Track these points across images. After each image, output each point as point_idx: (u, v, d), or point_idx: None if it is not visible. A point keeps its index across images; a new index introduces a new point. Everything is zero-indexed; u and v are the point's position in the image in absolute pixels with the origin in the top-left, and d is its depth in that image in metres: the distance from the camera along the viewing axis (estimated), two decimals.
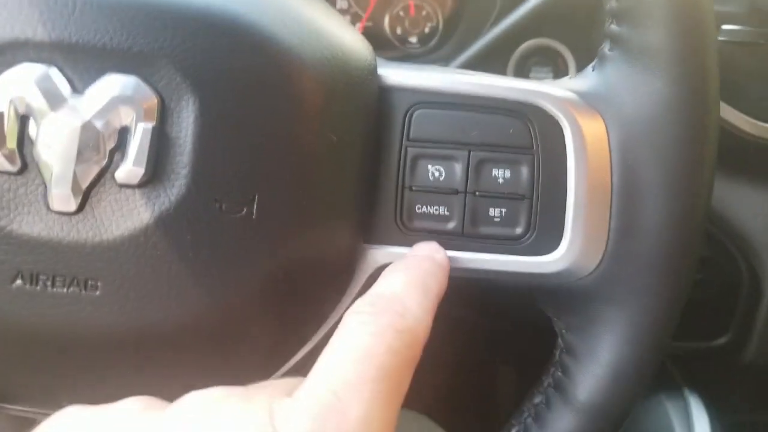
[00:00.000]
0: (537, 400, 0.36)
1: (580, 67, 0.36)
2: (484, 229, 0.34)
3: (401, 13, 0.75)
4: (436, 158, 0.34)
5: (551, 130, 0.33)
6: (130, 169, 0.28)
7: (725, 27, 0.58)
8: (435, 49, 0.75)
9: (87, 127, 0.28)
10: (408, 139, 0.34)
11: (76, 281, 0.28)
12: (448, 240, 0.34)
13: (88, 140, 0.28)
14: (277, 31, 0.30)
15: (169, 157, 0.28)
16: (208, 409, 0.23)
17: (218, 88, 0.28)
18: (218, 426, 0.22)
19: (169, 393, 0.25)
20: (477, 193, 0.34)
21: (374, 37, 0.75)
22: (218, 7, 0.29)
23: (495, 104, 0.34)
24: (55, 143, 0.27)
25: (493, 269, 0.34)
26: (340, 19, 0.36)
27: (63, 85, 0.28)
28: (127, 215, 0.28)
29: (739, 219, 0.64)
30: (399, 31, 0.75)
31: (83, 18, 0.28)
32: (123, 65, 0.28)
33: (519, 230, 0.34)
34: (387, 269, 0.30)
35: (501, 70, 0.68)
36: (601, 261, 0.33)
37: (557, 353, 0.36)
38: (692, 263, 0.32)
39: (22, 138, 0.28)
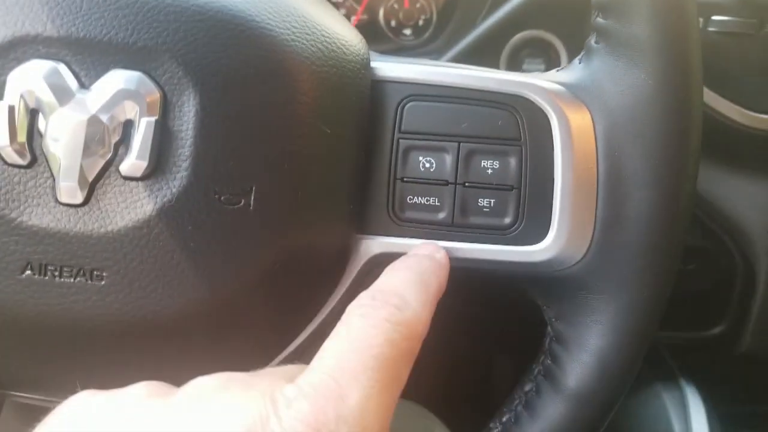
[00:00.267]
0: (527, 387, 0.37)
1: (572, 59, 0.37)
2: (474, 219, 0.34)
3: (395, 6, 0.75)
4: (427, 150, 0.34)
5: (539, 122, 0.34)
6: (133, 162, 0.29)
7: (715, 18, 0.58)
8: (429, 41, 0.76)
9: (93, 121, 0.29)
10: (400, 132, 0.34)
11: (82, 271, 0.29)
12: (438, 230, 0.34)
13: (94, 134, 0.29)
14: (273, 26, 0.31)
15: (171, 150, 0.29)
16: (212, 395, 0.23)
17: (218, 83, 0.29)
18: (222, 411, 0.23)
19: (173, 378, 0.26)
20: (467, 183, 0.34)
21: (369, 29, 0.75)
22: (218, 3, 0.30)
23: (484, 96, 0.34)
24: (62, 137, 0.28)
25: (482, 258, 0.34)
26: (334, 12, 0.36)
27: (71, 80, 0.29)
28: (131, 207, 0.29)
29: (733, 209, 0.64)
30: (393, 23, 0.76)
31: (90, 14, 0.29)
32: (127, 60, 0.29)
33: (507, 220, 0.34)
34: (389, 267, 0.31)
35: (494, 62, 0.68)
36: (587, 250, 0.33)
37: (547, 341, 0.37)
38: (677, 252, 0.33)
39: (32, 132, 0.29)
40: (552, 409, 0.34)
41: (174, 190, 0.29)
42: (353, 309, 0.27)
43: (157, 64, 0.29)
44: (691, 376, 0.73)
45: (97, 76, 0.29)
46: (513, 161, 0.34)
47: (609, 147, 0.33)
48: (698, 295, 0.69)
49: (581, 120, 0.34)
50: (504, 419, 0.37)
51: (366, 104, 0.34)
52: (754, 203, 0.63)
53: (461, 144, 0.34)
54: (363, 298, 0.28)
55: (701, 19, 0.58)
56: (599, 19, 0.34)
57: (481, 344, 0.94)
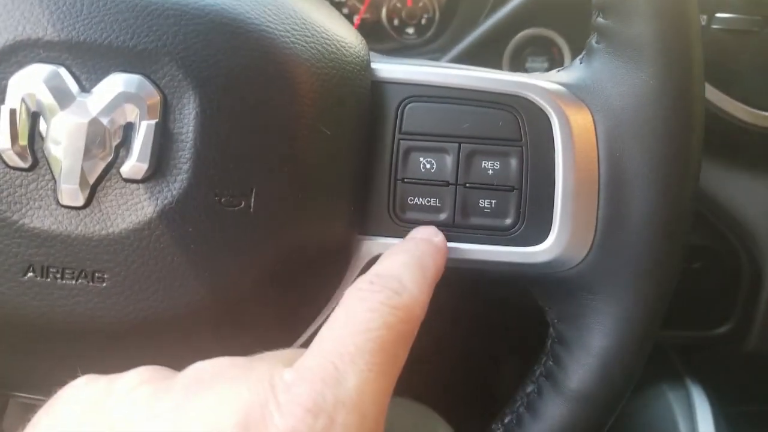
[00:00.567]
0: (529, 389, 0.37)
1: (576, 57, 0.37)
2: (475, 220, 0.34)
3: (398, 4, 0.75)
4: (427, 151, 0.34)
5: (540, 122, 0.34)
6: (134, 164, 0.29)
7: (719, 15, 0.58)
8: (432, 39, 0.76)
9: (94, 124, 0.29)
10: (400, 132, 0.34)
11: (84, 273, 0.29)
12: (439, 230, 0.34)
13: (95, 136, 0.29)
14: (272, 28, 0.31)
15: (171, 153, 0.29)
16: (210, 380, 0.24)
17: (218, 85, 0.29)
18: (221, 395, 0.23)
19: None
20: (467, 184, 0.34)
21: (371, 28, 0.75)
22: (217, 5, 0.30)
23: (484, 97, 0.34)
24: (64, 140, 0.29)
25: (483, 259, 0.34)
26: (334, 13, 0.37)
27: (71, 83, 0.29)
28: (132, 209, 0.29)
29: (738, 207, 0.64)
30: (396, 22, 0.76)
31: (90, 17, 0.29)
32: (127, 63, 0.29)
33: (509, 221, 0.34)
34: (387, 251, 0.31)
35: (497, 60, 0.68)
36: (589, 251, 0.33)
37: (548, 342, 0.37)
38: (679, 252, 0.33)
39: (33, 135, 0.29)
40: (554, 410, 0.34)
41: (174, 192, 0.29)
42: (351, 293, 0.27)
43: (157, 67, 0.29)
44: (696, 376, 0.72)
45: (98, 80, 0.29)
46: (514, 162, 0.34)
47: (610, 147, 0.33)
48: (704, 294, 0.69)
49: (582, 120, 0.33)
50: (506, 420, 0.37)
51: (366, 105, 0.34)
52: (759, 201, 0.63)
53: (462, 145, 0.34)
54: (361, 282, 0.28)
55: (705, 17, 0.58)
56: (600, 19, 0.34)
57: (484, 344, 0.94)
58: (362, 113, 0.34)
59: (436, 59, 0.71)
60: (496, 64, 0.68)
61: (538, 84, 0.34)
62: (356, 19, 0.75)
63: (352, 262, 0.35)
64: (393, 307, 0.26)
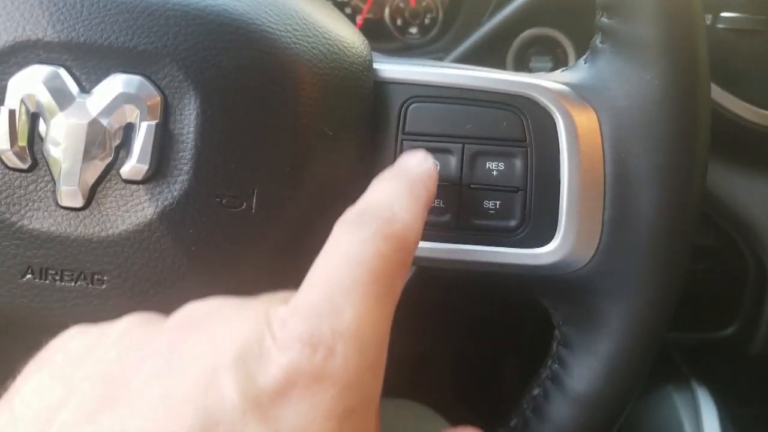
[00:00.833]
0: (535, 392, 0.37)
1: (580, 56, 0.36)
2: (479, 222, 0.34)
3: (401, 4, 0.75)
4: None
5: (544, 123, 0.34)
6: (134, 165, 0.29)
7: (724, 14, 0.58)
8: (435, 39, 0.75)
9: (93, 125, 0.29)
10: (404, 133, 0.34)
11: (83, 275, 0.29)
12: (443, 232, 0.34)
13: (95, 137, 0.29)
14: (273, 29, 0.31)
15: (171, 154, 0.29)
16: (205, 317, 0.23)
17: (218, 86, 0.29)
18: (215, 332, 0.22)
19: None
20: (471, 185, 0.34)
21: (375, 28, 0.75)
22: (218, 6, 0.30)
23: (488, 97, 0.34)
24: (63, 141, 0.29)
25: (487, 261, 0.34)
26: (336, 13, 0.36)
27: (71, 84, 0.29)
28: (132, 210, 0.29)
29: (744, 208, 0.63)
30: (399, 21, 0.76)
31: (91, 18, 0.29)
32: (128, 64, 0.29)
33: (513, 222, 0.34)
34: (375, 179, 0.29)
35: (501, 60, 0.68)
36: (595, 253, 0.33)
37: (554, 345, 0.37)
38: (686, 253, 0.33)
39: (33, 136, 0.29)
40: (561, 413, 0.34)
41: (175, 193, 0.29)
42: (340, 226, 0.26)
43: (157, 67, 0.29)
44: (702, 378, 0.72)
45: (98, 80, 0.29)
46: (518, 163, 0.34)
47: (615, 148, 0.33)
48: (709, 295, 0.69)
49: (587, 121, 0.33)
50: (512, 423, 0.37)
51: (368, 106, 0.34)
52: (766, 202, 0.63)
53: (466, 145, 0.34)
54: (350, 213, 0.26)
55: (710, 16, 0.58)
56: (604, 19, 0.34)
57: (488, 346, 0.93)
58: (365, 114, 0.33)
59: (440, 59, 0.71)
60: (499, 64, 0.68)
61: (542, 84, 0.34)
62: (359, 19, 0.75)
63: None
64: (386, 236, 0.25)
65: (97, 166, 0.29)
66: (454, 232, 0.34)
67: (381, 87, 0.34)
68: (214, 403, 0.20)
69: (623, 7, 0.32)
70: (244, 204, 0.30)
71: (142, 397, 0.20)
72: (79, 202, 0.29)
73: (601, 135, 0.33)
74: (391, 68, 0.35)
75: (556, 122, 0.33)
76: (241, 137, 0.30)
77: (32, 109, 0.29)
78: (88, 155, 0.29)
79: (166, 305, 0.29)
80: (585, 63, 0.35)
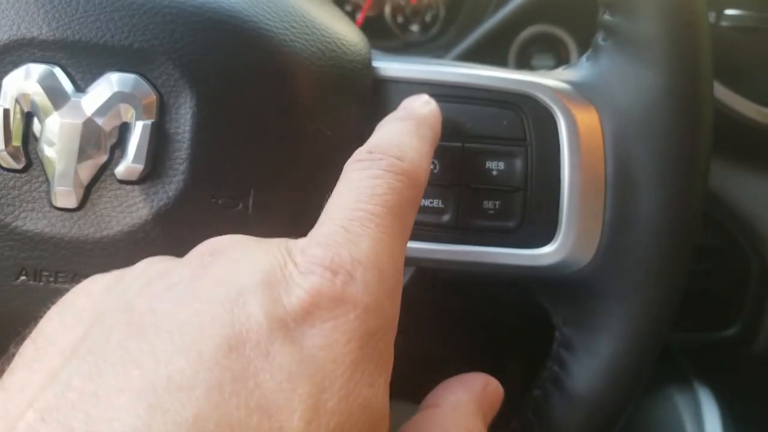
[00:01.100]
0: (536, 393, 0.36)
1: (582, 54, 0.36)
2: (479, 222, 0.34)
3: (402, 2, 0.75)
4: None
5: (545, 122, 0.33)
6: (129, 165, 0.29)
7: (728, 12, 0.58)
8: (436, 37, 0.75)
9: (88, 125, 0.28)
10: None
11: (77, 277, 0.29)
12: (442, 232, 0.34)
13: (90, 137, 0.28)
14: (271, 26, 0.30)
15: (167, 153, 0.29)
16: (227, 248, 0.24)
17: (215, 85, 0.29)
18: (238, 260, 0.22)
19: None
20: (471, 185, 0.34)
21: (375, 25, 0.75)
22: (214, 3, 0.30)
23: (488, 96, 0.34)
24: (58, 140, 0.28)
25: (487, 262, 0.34)
26: (335, 11, 0.36)
27: (66, 83, 0.29)
28: (127, 211, 0.29)
29: (747, 207, 0.63)
30: (400, 19, 0.75)
31: (86, 16, 0.29)
32: (123, 63, 0.29)
33: (513, 223, 0.34)
34: (381, 122, 0.31)
35: (503, 58, 0.68)
36: (596, 254, 0.33)
37: (554, 347, 0.36)
38: (688, 253, 0.32)
39: (27, 136, 0.29)
40: (562, 415, 0.34)
41: (171, 193, 0.29)
42: (351, 165, 0.27)
43: (153, 66, 0.29)
44: (704, 378, 0.72)
45: (93, 79, 0.29)
46: (519, 162, 0.33)
47: (617, 147, 0.32)
48: (712, 295, 0.69)
49: (588, 119, 0.33)
50: (513, 426, 0.36)
51: (367, 105, 0.33)
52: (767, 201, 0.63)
53: (465, 144, 0.33)
54: (359, 153, 0.27)
55: (714, 14, 0.57)
56: (606, 16, 0.34)
57: (488, 347, 0.93)
58: (363, 113, 0.33)
59: (441, 57, 0.71)
60: (501, 62, 0.68)
61: (543, 82, 0.34)
62: (359, 16, 0.75)
63: None
64: (396, 172, 0.26)
65: (92, 167, 0.29)
66: (454, 232, 0.33)
67: (380, 85, 0.34)
68: (241, 323, 0.20)
69: (626, 4, 0.32)
70: (241, 204, 0.29)
71: (169, 322, 0.20)
72: (73, 203, 0.29)
73: (603, 134, 0.33)
74: (390, 66, 0.34)
75: (557, 121, 0.33)
76: (237, 137, 0.29)
77: (27, 109, 0.29)
78: (83, 155, 0.28)
79: None
80: (587, 61, 0.35)
